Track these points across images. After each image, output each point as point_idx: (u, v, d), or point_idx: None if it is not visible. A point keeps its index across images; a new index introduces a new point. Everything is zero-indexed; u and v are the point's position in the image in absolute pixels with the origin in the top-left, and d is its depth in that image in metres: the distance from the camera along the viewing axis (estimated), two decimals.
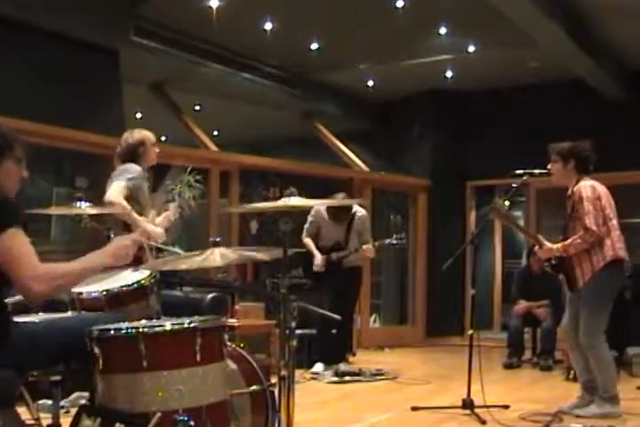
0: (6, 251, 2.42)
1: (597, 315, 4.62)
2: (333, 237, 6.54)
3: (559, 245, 4.70)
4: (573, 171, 4.75)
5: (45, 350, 2.54)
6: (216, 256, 2.93)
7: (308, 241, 6.57)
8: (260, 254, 3.14)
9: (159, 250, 4.53)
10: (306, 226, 6.61)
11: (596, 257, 4.61)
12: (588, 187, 4.66)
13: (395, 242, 6.43)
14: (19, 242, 2.45)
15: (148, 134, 4.79)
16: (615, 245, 4.62)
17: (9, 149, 2.63)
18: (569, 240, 4.66)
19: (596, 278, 4.60)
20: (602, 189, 4.71)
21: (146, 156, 4.77)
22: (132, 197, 4.57)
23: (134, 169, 4.66)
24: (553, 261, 4.82)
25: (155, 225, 4.66)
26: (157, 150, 4.82)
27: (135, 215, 4.43)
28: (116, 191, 4.46)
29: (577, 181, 4.73)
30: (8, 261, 2.42)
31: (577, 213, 4.65)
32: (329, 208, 6.47)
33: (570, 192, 4.76)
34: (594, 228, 4.55)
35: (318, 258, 6.47)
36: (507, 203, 4.96)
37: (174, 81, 8.90)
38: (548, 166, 4.82)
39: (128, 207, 4.38)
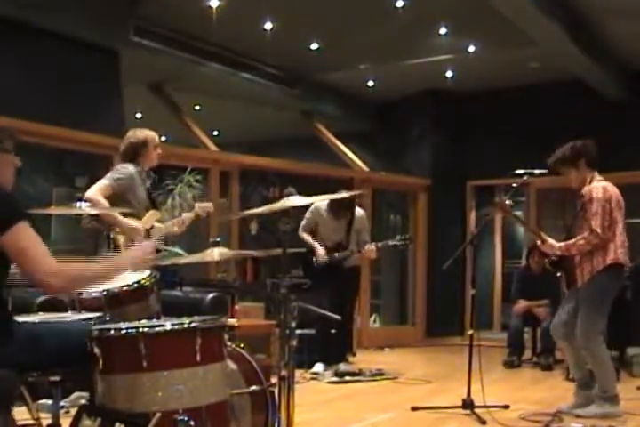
0: (18, 245, 2.41)
1: (594, 317, 4.62)
2: (333, 237, 6.54)
3: (562, 244, 4.70)
4: (586, 168, 4.74)
5: (46, 350, 2.54)
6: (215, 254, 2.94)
7: (306, 236, 6.55)
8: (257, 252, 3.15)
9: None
10: (302, 222, 6.59)
11: (596, 259, 4.60)
12: (600, 188, 4.65)
13: (398, 243, 6.41)
14: (30, 236, 2.44)
15: (151, 135, 4.79)
16: (617, 250, 4.61)
17: (4, 144, 2.64)
18: (572, 240, 4.65)
19: (595, 280, 4.60)
20: (613, 191, 4.69)
21: (147, 156, 4.78)
22: (118, 197, 4.57)
23: (125, 170, 4.66)
24: (553, 258, 4.82)
25: (147, 225, 4.65)
26: (160, 152, 4.83)
27: (115, 214, 4.43)
28: (95, 189, 4.50)
29: (591, 180, 4.73)
30: (21, 255, 2.41)
31: (585, 213, 4.65)
32: (331, 205, 6.45)
33: (583, 191, 4.74)
34: (599, 230, 4.54)
35: (321, 250, 6.45)
36: (507, 202, 4.96)
37: (174, 81, 8.90)
38: (565, 175, 4.79)
39: (103, 204, 4.39)
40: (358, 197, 7.07)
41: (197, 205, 4.95)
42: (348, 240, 6.54)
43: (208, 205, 4.99)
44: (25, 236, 2.43)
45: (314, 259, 6.45)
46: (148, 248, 2.75)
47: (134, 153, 4.74)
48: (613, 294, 4.70)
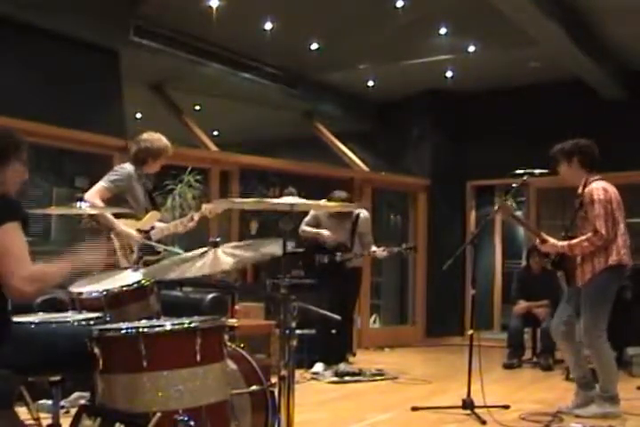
0: (1, 245, 2.41)
1: (597, 315, 4.63)
2: (336, 238, 6.53)
3: (565, 243, 4.70)
4: (579, 168, 4.74)
5: (45, 351, 2.54)
6: (216, 259, 2.93)
7: (307, 228, 6.56)
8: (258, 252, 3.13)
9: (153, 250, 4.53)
10: (306, 218, 6.61)
11: (598, 260, 4.60)
12: (601, 189, 4.65)
13: (403, 251, 6.49)
14: (12, 238, 2.44)
15: (168, 147, 4.80)
16: (620, 251, 4.61)
17: (17, 150, 2.67)
18: (575, 240, 4.65)
19: (596, 280, 4.60)
20: (613, 191, 4.69)
21: (154, 164, 4.79)
22: (117, 198, 4.57)
23: (122, 171, 4.67)
24: (553, 258, 4.82)
25: (146, 226, 4.64)
26: (164, 163, 4.86)
27: (111, 217, 4.43)
28: (92, 193, 4.50)
29: (587, 180, 4.72)
30: (1, 256, 2.41)
31: (586, 214, 4.65)
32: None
33: (580, 191, 4.74)
34: (603, 232, 4.54)
35: (325, 232, 6.46)
36: (509, 203, 4.95)
37: (174, 81, 8.90)
38: (558, 169, 4.81)
39: (100, 207, 4.39)
40: (357, 199, 7.09)
41: (204, 206, 4.93)
42: (352, 242, 6.55)
43: (215, 206, 4.97)
44: (9, 237, 2.43)
45: (318, 257, 6.47)
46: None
47: (145, 158, 4.73)
48: (614, 292, 4.70)
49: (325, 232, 6.47)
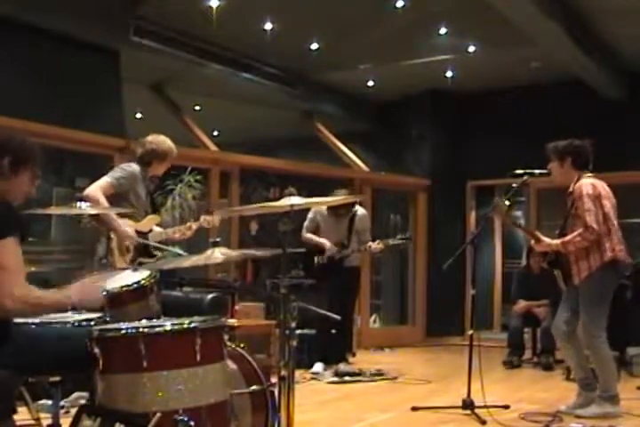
0: None
1: (595, 315, 4.62)
2: (334, 236, 6.54)
3: (558, 241, 4.70)
4: (571, 168, 4.74)
5: (46, 352, 2.54)
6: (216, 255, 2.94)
7: (309, 235, 6.57)
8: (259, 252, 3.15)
9: (151, 250, 4.52)
10: (305, 223, 6.62)
11: (593, 257, 4.60)
12: (589, 185, 4.65)
13: (398, 242, 6.45)
14: (10, 254, 2.43)
15: (173, 149, 4.80)
16: (615, 248, 4.61)
17: (31, 164, 2.65)
18: (568, 237, 4.64)
19: (593, 278, 4.60)
20: (602, 187, 4.69)
21: (159, 166, 4.79)
22: (120, 196, 4.57)
23: (128, 169, 4.66)
24: (549, 257, 4.82)
25: (145, 228, 4.64)
26: (169, 166, 4.86)
27: (112, 215, 4.41)
28: (96, 186, 4.48)
29: (578, 179, 4.72)
30: None
31: (577, 211, 4.65)
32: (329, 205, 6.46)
33: (571, 189, 4.74)
34: (594, 225, 4.54)
35: (328, 243, 6.46)
36: (507, 202, 4.95)
37: (174, 81, 8.90)
38: (548, 166, 4.83)
39: (102, 202, 4.36)
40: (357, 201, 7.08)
41: (203, 217, 4.93)
42: (349, 240, 6.55)
43: (213, 219, 4.96)
44: (7, 252, 2.42)
45: (317, 258, 6.47)
46: (96, 288, 2.71)
47: (150, 160, 4.74)
48: (613, 289, 4.70)
49: (328, 243, 6.46)
